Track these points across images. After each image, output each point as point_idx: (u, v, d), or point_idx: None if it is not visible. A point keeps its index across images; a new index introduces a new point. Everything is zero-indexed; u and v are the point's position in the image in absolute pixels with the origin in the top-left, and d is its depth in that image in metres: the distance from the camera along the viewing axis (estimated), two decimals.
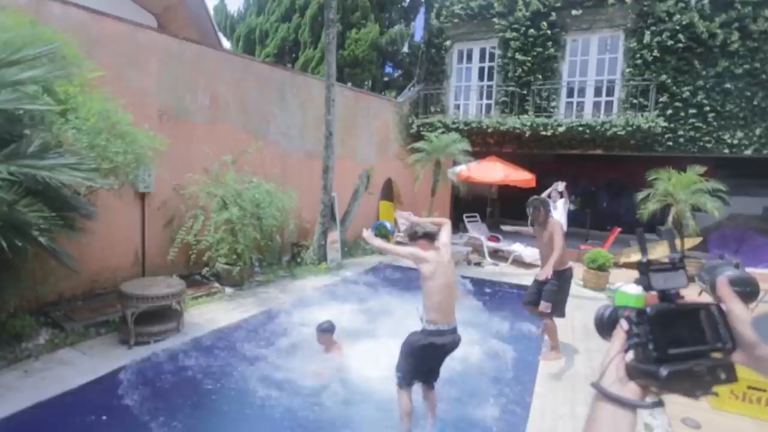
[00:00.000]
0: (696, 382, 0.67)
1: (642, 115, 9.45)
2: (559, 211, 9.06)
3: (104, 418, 3.66)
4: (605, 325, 0.81)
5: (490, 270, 9.48)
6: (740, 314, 0.72)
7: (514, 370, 4.88)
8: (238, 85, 7.70)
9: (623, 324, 0.75)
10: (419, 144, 9.96)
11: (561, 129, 10.08)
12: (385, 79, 16.42)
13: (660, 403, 0.70)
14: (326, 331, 4.91)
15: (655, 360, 0.68)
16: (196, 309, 6.02)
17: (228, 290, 6.87)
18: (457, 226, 11.21)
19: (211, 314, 5.86)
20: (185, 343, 4.91)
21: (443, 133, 10.26)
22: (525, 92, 11.05)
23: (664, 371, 0.66)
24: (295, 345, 5.21)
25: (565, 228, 8.23)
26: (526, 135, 10.54)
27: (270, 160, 8.43)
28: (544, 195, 9.09)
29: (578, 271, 7.25)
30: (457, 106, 12.32)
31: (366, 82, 14.10)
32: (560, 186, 9.21)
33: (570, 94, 10.91)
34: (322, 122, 9.43)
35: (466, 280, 7.97)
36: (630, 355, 0.73)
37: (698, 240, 8.96)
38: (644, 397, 0.71)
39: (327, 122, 7.64)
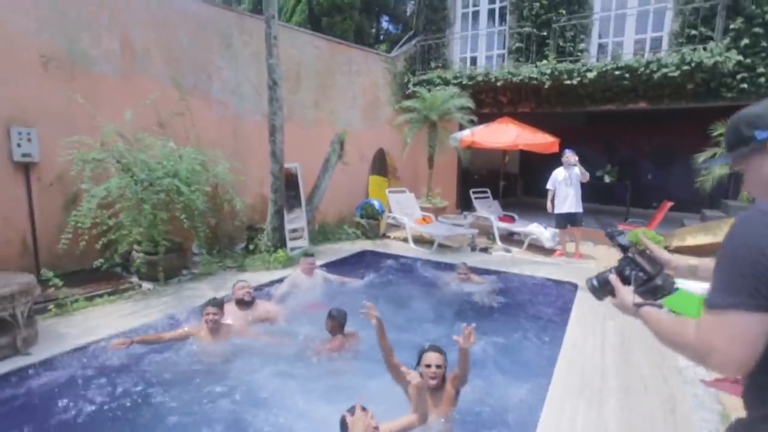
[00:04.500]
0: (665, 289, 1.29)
1: (705, 48, 7.07)
2: (573, 181, 7.06)
3: None
4: (600, 287, 1.39)
5: (499, 257, 7.58)
6: (653, 248, 1.49)
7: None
8: (161, 27, 6.08)
9: (613, 276, 1.38)
10: (409, 102, 8.07)
11: (591, 75, 7.85)
12: (381, 36, 14.32)
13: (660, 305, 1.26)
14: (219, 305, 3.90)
15: (647, 279, 1.32)
16: (83, 313, 4.56)
17: (146, 286, 5.38)
18: (467, 207, 9.32)
19: (98, 321, 4.38)
20: (17, 370, 3.43)
21: (441, 90, 8.29)
22: (545, 33, 8.82)
23: (659, 280, 1.30)
24: (184, 371, 3.64)
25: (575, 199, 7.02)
26: (546, 87, 8.37)
27: (216, 125, 6.84)
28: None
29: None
30: (463, 60, 10.22)
31: (352, 36, 12.08)
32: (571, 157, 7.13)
33: (603, 31, 8.60)
34: (286, 79, 7.74)
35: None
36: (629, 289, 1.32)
37: None
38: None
39: (269, 67, 5.89)
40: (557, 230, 7.61)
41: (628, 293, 1.29)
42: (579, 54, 8.49)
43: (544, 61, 8.42)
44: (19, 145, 4.89)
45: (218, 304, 3.84)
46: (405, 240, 8.37)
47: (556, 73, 8.15)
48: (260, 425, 2.96)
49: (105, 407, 3.17)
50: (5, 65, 4.79)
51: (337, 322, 3.85)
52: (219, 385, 3.40)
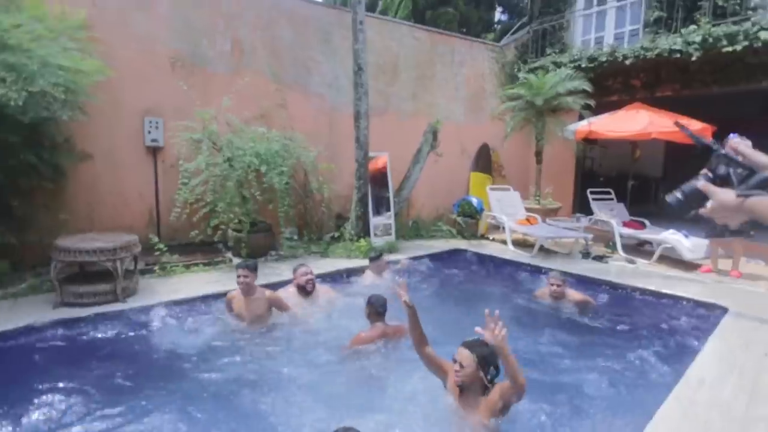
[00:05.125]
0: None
1: None
2: None
3: None
4: (687, 199, 1.20)
5: (618, 268, 6.28)
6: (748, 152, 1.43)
7: None
8: (266, 26, 6.66)
9: (701, 179, 1.20)
10: (512, 89, 7.33)
11: (765, 35, 5.99)
12: (495, 26, 13.34)
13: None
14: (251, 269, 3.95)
15: (750, 173, 1.18)
16: (179, 277, 5.17)
17: (236, 261, 5.86)
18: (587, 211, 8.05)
19: (187, 284, 4.89)
20: (112, 313, 3.98)
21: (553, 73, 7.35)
22: None
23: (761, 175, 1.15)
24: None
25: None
26: (694, 60, 6.70)
27: (313, 117, 7.19)
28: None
29: None
30: (586, 42, 8.92)
31: (456, 27, 11.45)
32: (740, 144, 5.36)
33: None
34: (383, 71, 7.78)
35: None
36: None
37: None
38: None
39: (355, 53, 5.92)
40: (707, 240, 5.96)
41: (726, 191, 1.14)
42: (749, 12, 6.55)
43: (692, 27, 6.75)
44: (149, 132, 5.83)
45: (249, 266, 3.88)
46: (505, 242, 7.58)
47: (711, 39, 6.44)
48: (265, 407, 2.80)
49: (163, 351, 3.47)
50: (144, 67, 5.77)
51: (374, 309, 3.55)
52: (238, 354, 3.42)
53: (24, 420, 2.56)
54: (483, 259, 7.00)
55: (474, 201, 8.44)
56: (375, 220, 6.98)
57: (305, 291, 4.34)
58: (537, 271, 6.20)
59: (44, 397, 2.75)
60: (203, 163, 5.12)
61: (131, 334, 3.75)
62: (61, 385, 2.90)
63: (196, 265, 5.52)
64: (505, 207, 7.98)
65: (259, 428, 2.60)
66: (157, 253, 5.21)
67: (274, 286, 4.53)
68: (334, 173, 6.86)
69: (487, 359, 2.37)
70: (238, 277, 3.83)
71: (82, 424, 2.57)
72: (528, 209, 8.18)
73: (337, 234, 6.91)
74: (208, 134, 5.34)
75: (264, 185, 5.60)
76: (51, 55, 3.81)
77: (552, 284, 4.66)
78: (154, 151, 5.96)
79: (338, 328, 3.89)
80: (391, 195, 7.09)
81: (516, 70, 9.21)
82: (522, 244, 7.61)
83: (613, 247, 7.01)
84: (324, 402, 2.81)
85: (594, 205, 7.79)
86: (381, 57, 7.80)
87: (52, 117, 4.02)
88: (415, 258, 6.61)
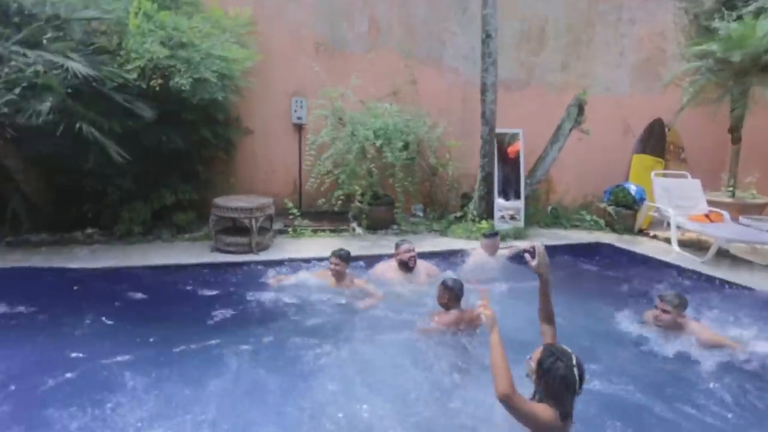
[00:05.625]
0: None
1: None
2: None
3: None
4: None
5: None
6: None
7: None
8: (402, 4, 6.69)
9: None
10: (700, 47, 5.75)
11: None
12: None
13: None
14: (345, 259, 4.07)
15: None
16: (306, 239, 5.82)
17: (359, 230, 6.28)
18: None
19: (311, 247, 5.46)
20: (243, 262, 4.77)
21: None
22: None
23: None
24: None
25: None
26: None
27: (446, 92, 7.01)
28: None
29: None
30: None
31: None
32: None
33: None
34: (527, 39, 7.06)
35: None
36: None
37: None
38: None
39: (484, 19, 5.42)
40: None
41: None
42: None
43: None
44: (295, 111, 6.62)
45: (340, 255, 4.01)
46: (669, 241, 6.16)
47: None
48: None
49: (266, 298, 3.99)
50: (293, 52, 6.51)
51: (453, 294, 3.30)
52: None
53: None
54: (632, 259, 5.84)
55: (632, 188, 7.03)
56: (502, 203, 6.50)
57: (407, 267, 4.35)
58: (709, 281, 4.90)
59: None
60: (327, 137, 5.57)
61: (252, 280, 4.40)
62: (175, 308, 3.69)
63: (323, 231, 6.13)
64: (676, 198, 6.42)
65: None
66: (291, 217, 5.97)
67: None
68: (463, 150, 6.61)
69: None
70: (330, 263, 4.03)
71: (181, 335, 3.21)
72: (712, 203, 6.43)
73: (460, 214, 6.70)
74: (334, 111, 5.76)
75: (385, 160, 5.78)
76: (212, 47, 4.66)
77: (660, 308, 3.34)
78: (299, 128, 6.75)
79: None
80: (522, 176, 6.46)
81: (710, 27, 7.12)
82: (696, 246, 6.07)
83: None
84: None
85: None
86: (525, 22, 7.05)
87: (212, 98, 4.92)
88: (552, 246, 5.96)
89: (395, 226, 6.56)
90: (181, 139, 5.22)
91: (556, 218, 7.31)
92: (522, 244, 5.78)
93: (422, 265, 4.54)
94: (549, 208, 7.43)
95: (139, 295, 3.96)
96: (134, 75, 4.43)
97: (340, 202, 5.86)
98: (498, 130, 6.18)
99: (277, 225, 5.98)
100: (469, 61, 6.99)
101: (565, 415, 1.86)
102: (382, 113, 5.77)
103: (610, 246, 6.28)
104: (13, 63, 3.87)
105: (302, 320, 3.61)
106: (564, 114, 6.29)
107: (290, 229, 5.92)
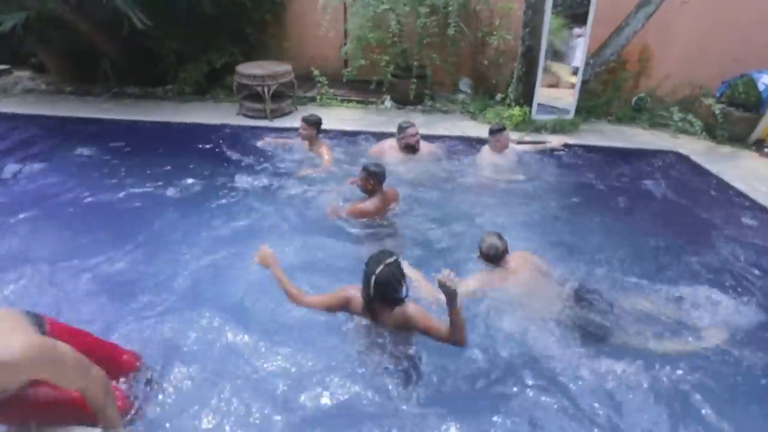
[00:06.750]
0: None
1: None
2: None
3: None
4: None
5: None
6: None
7: None
8: None
9: None
10: None
11: None
12: None
13: None
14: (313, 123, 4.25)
15: None
16: (333, 109, 6.01)
17: (387, 104, 6.18)
18: None
19: (334, 116, 5.60)
20: (255, 126, 5.33)
21: None
22: None
23: None
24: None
25: None
26: None
27: None
28: None
29: None
30: None
31: None
32: None
33: None
34: None
35: None
36: None
37: None
38: None
39: None
40: None
41: None
42: None
43: None
44: None
45: (307, 120, 4.16)
46: None
47: None
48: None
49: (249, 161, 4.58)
50: None
51: (377, 179, 3.28)
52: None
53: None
54: (708, 185, 4.47)
55: (765, 81, 5.06)
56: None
57: (413, 149, 4.30)
58: None
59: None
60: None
61: (246, 141, 4.94)
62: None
63: (350, 101, 6.21)
64: None
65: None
66: (318, 85, 6.14)
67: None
68: (512, 15, 5.48)
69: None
70: (299, 127, 4.27)
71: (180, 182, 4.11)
72: None
73: (503, 95, 5.92)
74: None
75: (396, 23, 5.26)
76: None
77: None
78: None
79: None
80: (582, 54, 5.15)
81: None
82: None
83: None
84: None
85: None
86: None
87: None
88: (584, 147, 5.10)
89: (429, 103, 6.24)
90: (211, 1, 5.53)
91: (638, 111, 5.88)
92: (554, 141, 5.05)
93: (425, 145, 4.49)
94: (635, 97, 5.94)
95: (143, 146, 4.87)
96: None
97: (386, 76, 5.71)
98: None
99: (312, 92, 6.28)
100: None
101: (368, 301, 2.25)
102: None
103: (685, 159, 4.97)
104: None
105: (252, 178, 4.10)
106: None
107: (318, 98, 6.16)
